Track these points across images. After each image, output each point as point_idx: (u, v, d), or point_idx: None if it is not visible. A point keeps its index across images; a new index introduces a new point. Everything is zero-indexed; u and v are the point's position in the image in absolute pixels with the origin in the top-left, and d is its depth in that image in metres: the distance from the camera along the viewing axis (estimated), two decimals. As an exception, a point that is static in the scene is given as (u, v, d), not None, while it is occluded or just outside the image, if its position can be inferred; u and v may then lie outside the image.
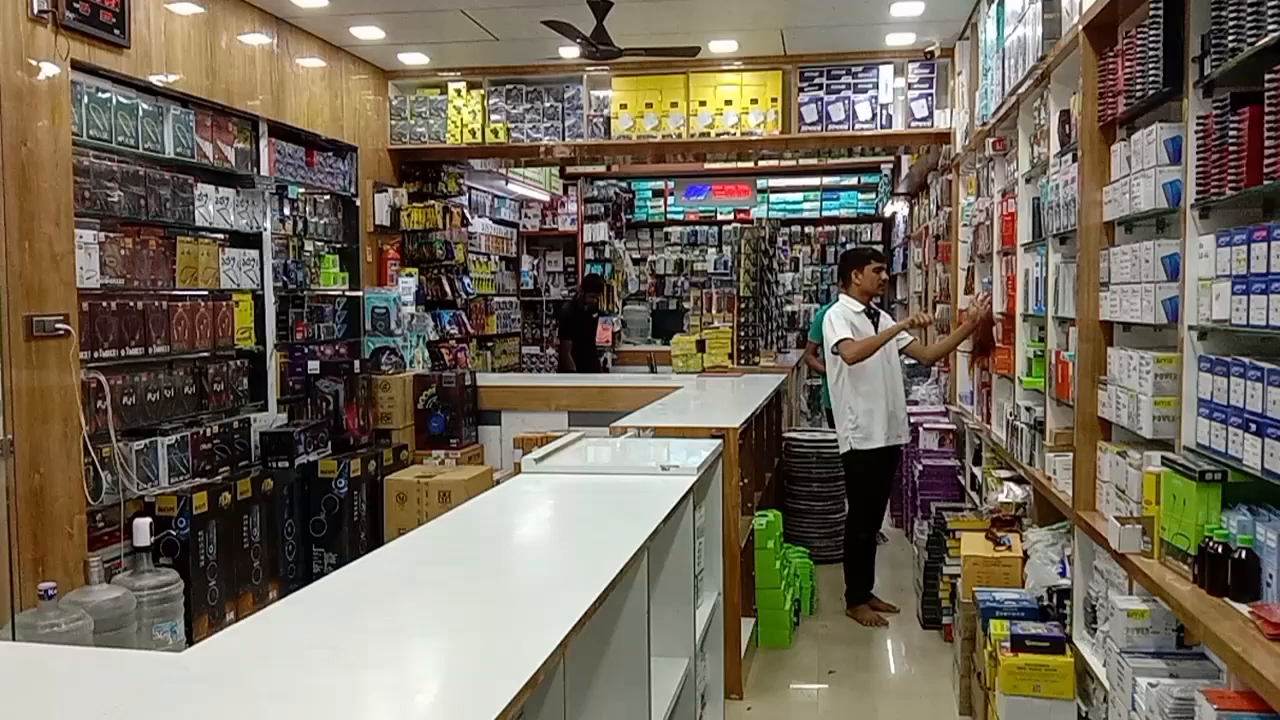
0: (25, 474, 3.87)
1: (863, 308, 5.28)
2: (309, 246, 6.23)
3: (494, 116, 7.14)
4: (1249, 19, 2.09)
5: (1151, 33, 2.59)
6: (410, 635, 1.88)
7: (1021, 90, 4.11)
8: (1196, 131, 2.41)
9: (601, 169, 11.19)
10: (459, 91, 7.16)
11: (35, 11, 3.96)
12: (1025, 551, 3.91)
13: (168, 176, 4.82)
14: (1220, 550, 2.16)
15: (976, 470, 5.27)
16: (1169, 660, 2.49)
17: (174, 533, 4.37)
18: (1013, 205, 4.37)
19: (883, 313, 5.52)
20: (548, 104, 7.08)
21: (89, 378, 4.21)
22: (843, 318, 5.21)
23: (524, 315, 11.31)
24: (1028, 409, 4.00)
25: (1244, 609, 2.07)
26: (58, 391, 4.02)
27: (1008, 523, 4.24)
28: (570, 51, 6.30)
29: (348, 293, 6.62)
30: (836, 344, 5.10)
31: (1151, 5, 2.61)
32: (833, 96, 6.78)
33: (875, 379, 5.13)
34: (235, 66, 5.36)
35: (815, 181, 12.52)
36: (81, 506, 4.14)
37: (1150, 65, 2.61)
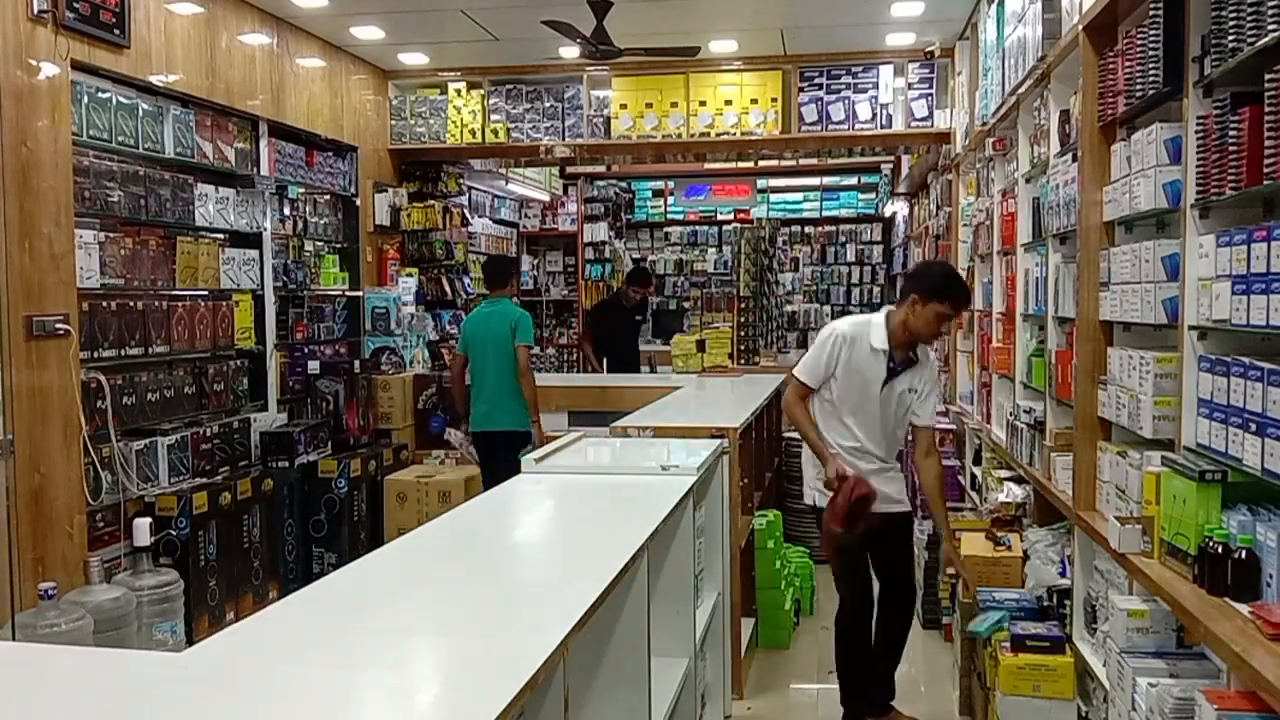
0: (25, 474, 3.88)
1: (888, 347, 3.67)
2: (309, 246, 6.24)
3: (494, 116, 7.14)
4: (1249, 19, 2.09)
5: (1151, 33, 2.59)
6: (410, 635, 1.88)
7: (1021, 90, 4.11)
8: (1196, 131, 2.41)
9: (601, 169, 11.18)
10: (459, 91, 7.16)
11: (35, 11, 3.96)
12: (1025, 551, 3.91)
13: (168, 176, 4.82)
14: (1220, 550, 2.16)
15: (976, 470, 5.26)
16: (1169, 660, 2.49)
17: (174, 533, 4.37)
18: (1013, 205, 4.37)
19: (923, 359, 3.77)
20: (548, 104, 7.08)
21: (89, 378, 4.21)
22: (843, 340, 3.69)
23: (523, 315, 11.29)
24: (1027, 409, 3.99)
25: (1244, 609, 2.07)
26: (58, 391, 4.02)
27: (1008, 523, 4.23)
28: (570, 51, 6.30)
29: (348, 293, 6.62)
30: (791, 374, 3.80)
31: (1151, 5, 2.61)
32: (833, 96, 6.78)
33: (849, 420, 3.76)
34: (235, 66, 5.36)
35: (815, 181, 12.52)
36: (81, 506, 4.14)
37: (1150, 65, 2.61)
